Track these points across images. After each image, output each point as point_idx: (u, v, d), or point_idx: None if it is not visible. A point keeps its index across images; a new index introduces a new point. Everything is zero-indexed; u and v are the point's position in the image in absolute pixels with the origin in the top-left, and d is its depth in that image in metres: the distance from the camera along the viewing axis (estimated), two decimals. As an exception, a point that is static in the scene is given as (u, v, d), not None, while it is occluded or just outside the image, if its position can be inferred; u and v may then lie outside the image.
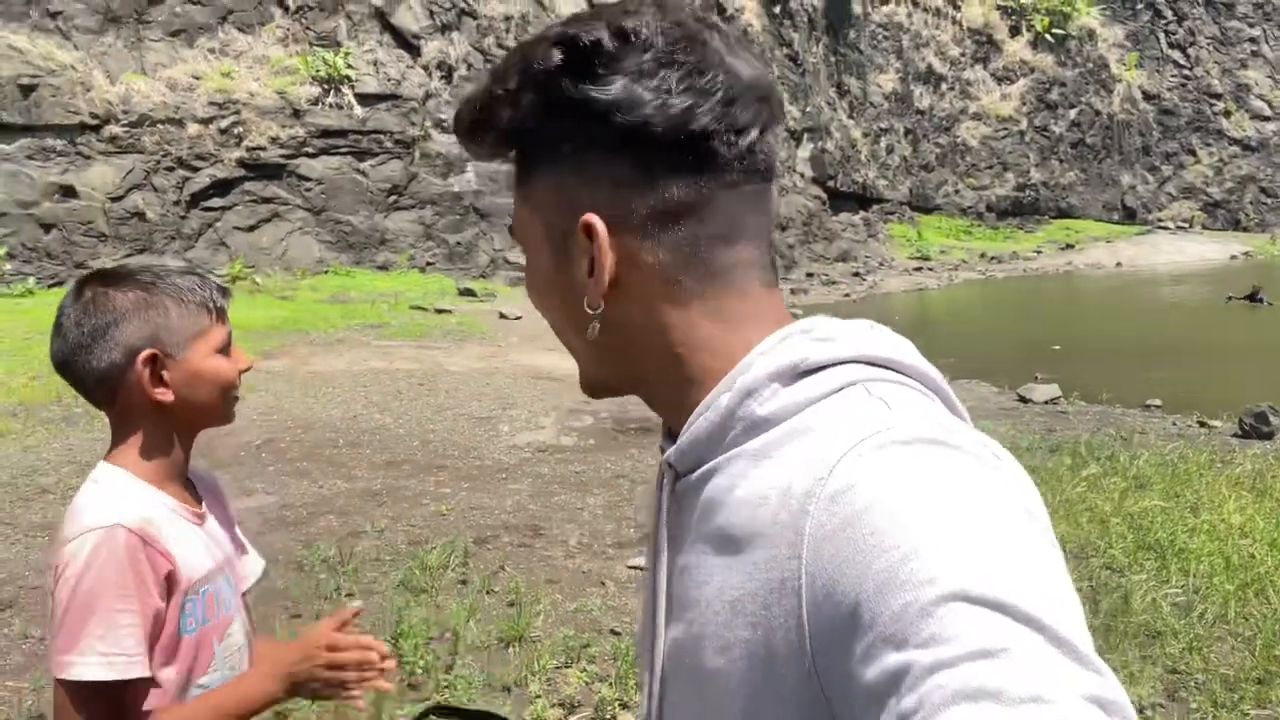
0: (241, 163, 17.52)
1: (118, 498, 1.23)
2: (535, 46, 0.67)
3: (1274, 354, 13.48)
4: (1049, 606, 0.46)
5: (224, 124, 17.55)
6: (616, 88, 0.64)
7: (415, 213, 19.54)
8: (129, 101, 16.55)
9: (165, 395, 1.27)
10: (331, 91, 18.81)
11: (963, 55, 37.31)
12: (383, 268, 18.74)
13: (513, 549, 4.68)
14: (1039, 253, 33.17)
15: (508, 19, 21.65)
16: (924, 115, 35.47)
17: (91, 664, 1.13)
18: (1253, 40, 43.33)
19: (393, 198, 19.27)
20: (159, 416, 1.29)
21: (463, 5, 20.87)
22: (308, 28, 19.33)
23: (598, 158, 0.66)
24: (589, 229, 0.66)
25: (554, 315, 0.74)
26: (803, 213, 26.68)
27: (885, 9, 33.50)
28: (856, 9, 31.50)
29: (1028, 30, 37.78)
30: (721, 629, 0.60)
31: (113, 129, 16.24)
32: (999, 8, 36.79)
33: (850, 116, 31.77)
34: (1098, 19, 39.90)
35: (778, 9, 27.70)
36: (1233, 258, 33.76)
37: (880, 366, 0.64)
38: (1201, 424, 8.23)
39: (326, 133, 18.58)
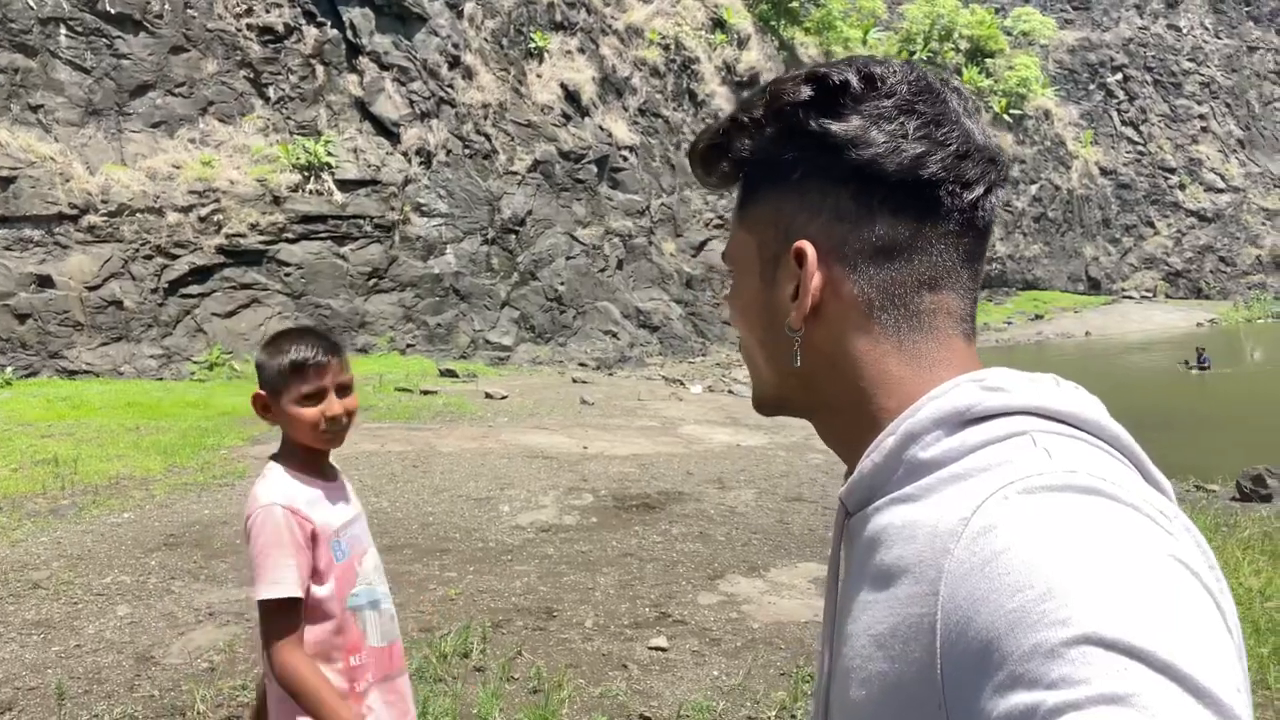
0: (221, 250, 17.49)
1: (273, 485, 1.90)
2: (787, 82, 0.72)
3: (1245, 417, 13.67)
4: (1187, 654, 0.45)
5: (203, 212, 17.58)
6: (855, 125, 0.69)
7: (395, 295, 19.56)
8: (108, 191, 16.56)
9: (272, 421, 1.98)
10: (312, 178, 18.97)
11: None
12: (362, 350, 18.64)
13: (528, 633, 4.52)
14: (1010, 323, 33.74)
15: (485, 106, 22.10)
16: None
17: (264, 589, 1.81)
18: (1201, 117, 45.26)
19: (373, 280, 19.30)
20: (286, 435, 1.98)
21: (441, 94, 21.29)
22: (288, 117, 19.59)
23: (821, 188, 0.71)
24: (800, 254, 0.71)
25: (751, 334, 0.78)
26: (779, 289, 27.04)
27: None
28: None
29: (987, 111, 39.17)
30: (865, 662, 0.62)
31: (91, 218, 16.20)
32: (958, 90, 38.22)
33: (736, 219, 32.51)
34: (1053, 99, 41.53)
35: (746, 93, 28.51)
36: (1199, 325, 34.54)
37: (1056, 420, 0.63)
38: (1199, 488, 8.26)
39: (307, 218, 18.67)
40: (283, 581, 1.81)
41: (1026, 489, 0.55)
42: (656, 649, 4.34)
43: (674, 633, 4.54)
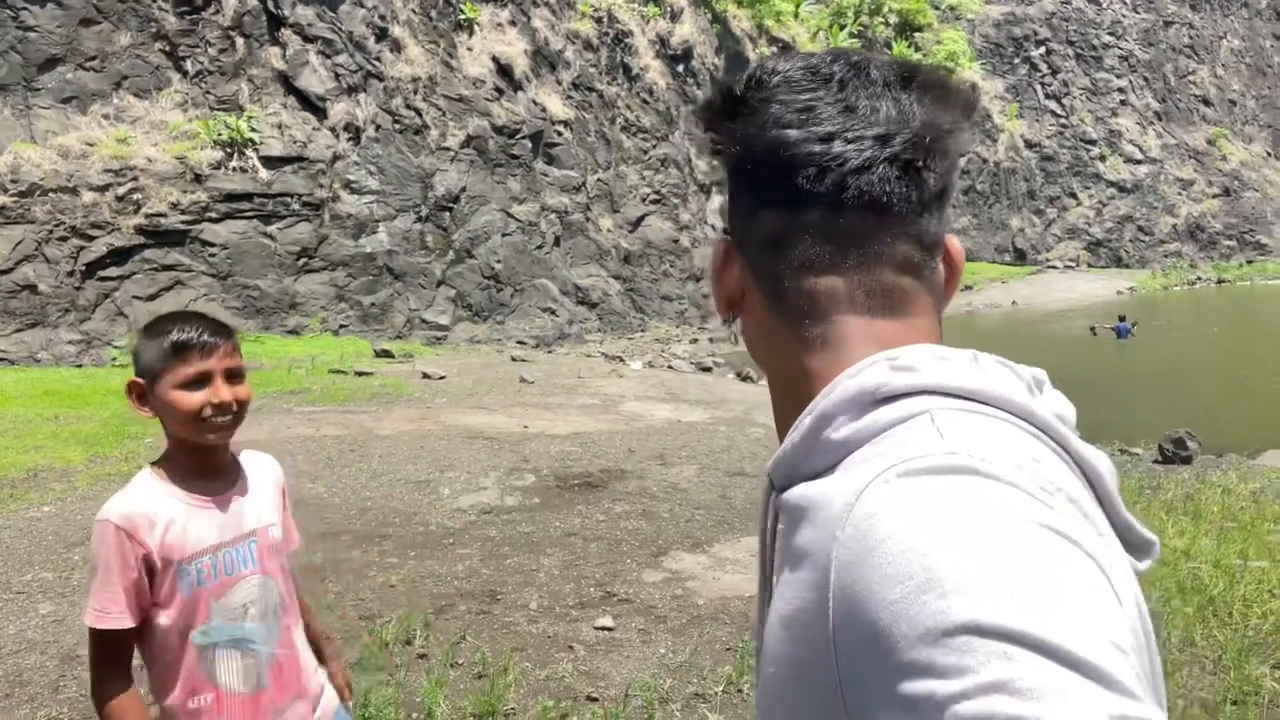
0: (140, 230, 16.83)
1: (123, 496, 1.69)
2: (712, 93, 0.77)
3: (1164, 380, 14.22)
4: (1063, 629, 0.46)
5: (121, 191, 16.88)
6: (737, 125, 0.73)
7: (326, 275, 19.10)
8: (17, 171, 15.77)
9: (147, 413, 1.75)
10: (235, 155, 18.34)
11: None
12: (294, 332, 18.19)
13: (471, 617, 4.47)
14: (941, 294, 34.43)
15: (415, 80, 21.61)
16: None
17: (89, 615, 1.65)
18: (1121, 90, 46.61)
19: (302, 260, 18.80)
20: (168, 430, 1.75)
21: (369, 67, 20.74)
22: (208, 92, 18.88)
23: (731, 187, 0.77)
24: (721, 250, 0.78)
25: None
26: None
27: (782, 66, 34.81)
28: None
29: (916, 85, 39.70)
30: (775, 641, 0.63)
31: (0, 199, 15.43)
32: (888, 64, 38.61)
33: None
34: (979, 73, 42.27)
35: (680, 68, 28.46)
36: (1119, 293, 35.75)
37: (964, 398, 0.63)
38: (1123, 451, 8.55)
39: (230, 197, 18.07)
40: (106, 611, 1.63)
41: (905, 472, 0.56)
42: (602, 629, 4.33)
43: (619, 612, 4.54)
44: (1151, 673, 0.59)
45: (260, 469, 1.90)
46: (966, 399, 0.63)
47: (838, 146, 0.69)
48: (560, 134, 24.05)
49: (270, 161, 18.79)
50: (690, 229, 26.86)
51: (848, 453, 0.64)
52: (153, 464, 1.77)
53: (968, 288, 35.90)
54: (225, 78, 18.96)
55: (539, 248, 22.42)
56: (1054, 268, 40.94)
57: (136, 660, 1.73)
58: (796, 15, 34.54)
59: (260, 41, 19.42)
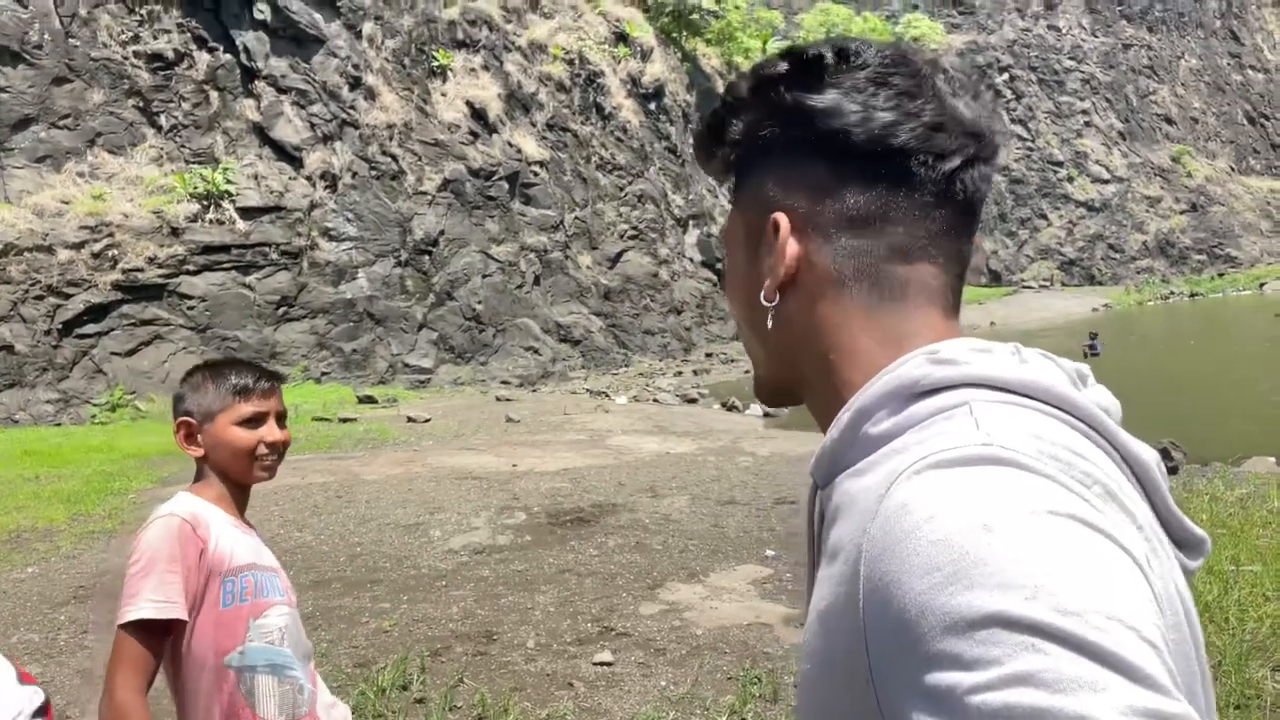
0: (117, 286, 16.75)
1: (177, 501, 1.74)
2: (768, 60, 0.73)
3: (1145, 393, 14.36)
4: (1093, 624, 0.46)
5: (97, 247, 16.81)
6: (828, 97, 0.69)
7: (307, 323, 19.04)
8: (-9, 230, 15.69)
9: (196, 451, 1.82)
10: (211, 207, 18.34)
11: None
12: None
13: (469, 659, 4.41)
14: (920, 318, 34.74)
15: (390, 126, 21.75)
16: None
17: (139, 605, 1.58)
18: (1084, 112, 47.59)
19: (282, 309, 18.74)
20: (209, 466, 1.82)
21: (344, 115, 20.87)
22: (183, 146, 18.92)
23: (798, 161, 0.71)
24: (775, 225, 0.71)
25: (739, 311, 0.79)
26: (695, 295, 27.28)
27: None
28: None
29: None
30: (812, 637, 0.62)
31: (-26, 259, 15.32)
32: (856, 95, 39.29)
33: (730, 201, 32.96)
34: (945, 101, 43.08)
35: (653, 105, 28.80)
36: (1094, 310, 36.19)
37: (1005, 390, 0.62)
38: (1109, 464, 8.60)
39: (208, 249, 18.03)
40: (169, 600, 1.58)
41: (936, 463, 0.55)
42: (602, 664, 4.28)
43: (618, 646, 4.49)
44: (1196, 673, 0.58)
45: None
46: (1008, 391, 0.62)
47: (948, 139, 0.68)
48: (536, 174, 24.23)
49: (247, 212, 18.80)
50: (669, 263, 27.01)
51: (883, 445, 0.63)
52: (191, 488, 1.82)
53: (946, 311, 36.20)
54: (200, 131, 19.03)
55: (519, 287, 22.47)
56: (1029, 288, 41.43)
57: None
58: (764, 51, 35.12)
59: (234, 94, 19.52)
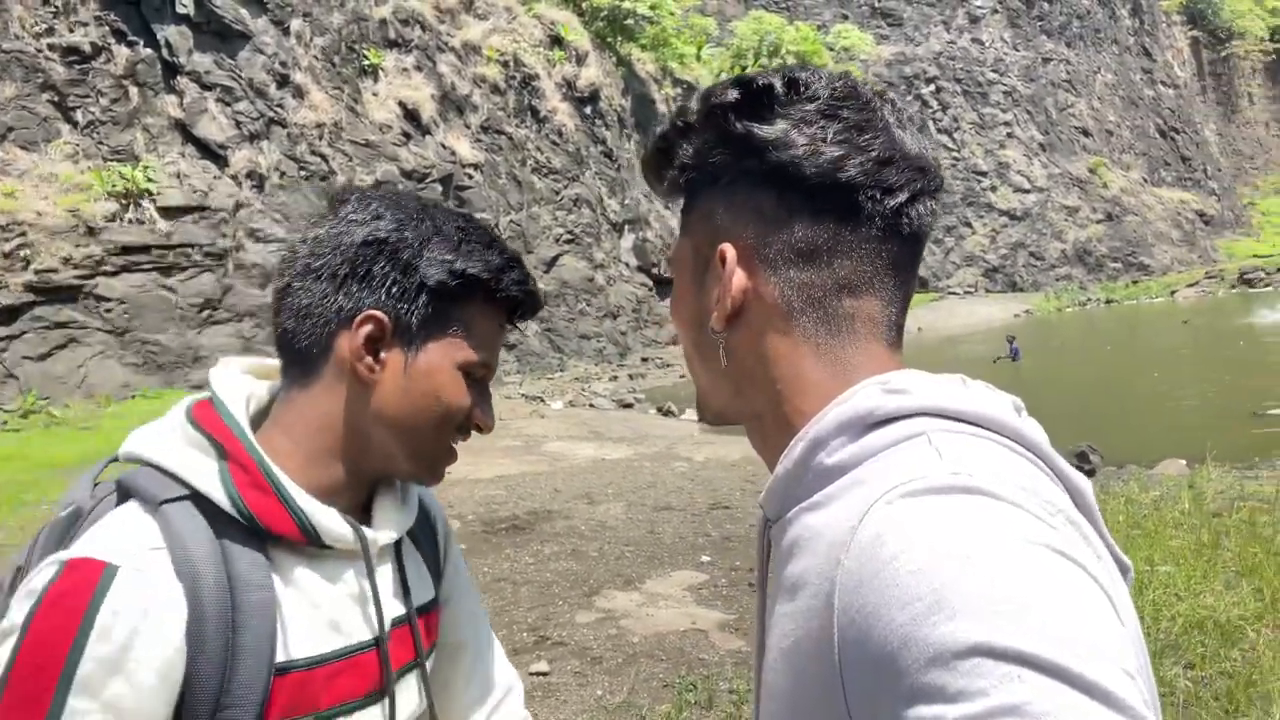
0: (30, 287, 16.04)
1: None
2: (718, 87, 0.73)
3: (1063, 397, 14.89)
4: (1074, 652, 0.46)
5: (7, 247, 16.09)
6: (777, 127, 0.69)
7: (233, 326, 18.53)
8: (-109, 228, 14.91)
9: None
10: (131, 207, 17.71)
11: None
12: (198, 387, 17.33)
13: (402, 673, 4.34)
14: (851, 323, 35.44)
15: (320, 126, 21.32)
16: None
17: None
18: (1007, 124, 49.16)
19: (206, 312, 18.20)
20: None
21: (271, 114, 20.38)
22: (100, 142, 18.23)
23: (747, 191, 0.71)
24: (722, 255, 0.71)
25: (686, 338, 0.78)
26: (632, 300, 27.34)
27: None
28: (661, 108, 33.26)
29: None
30: (776, 676, 0.62)
31: None
32: (789, 103, 39.89)
33: (666, 208, 33.15)
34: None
35: (588, 109, 28.80)
36: (1016, 316, 37.36)
37: (958, 420, 0.63)
38: (1031, 467, 8.88)
39: (127, 249, 17.40)
40: None
41: (909, 492, 0.55)
42: (538, 674, 4.25)
43: (554, 655, 4.47)
44: (1151, 694, 0.59)
45: None
46: (960, 420, 0.63)
47: (896, 174, 0.68)
48: (471, 177, 24.01)
49: (169, 212, 18.21)
50: (605, 268, 27.03)
51: (840, 476, 0.63)
52: None
53: (876, 316, 37.01)
54: (119, 128, 18.37)
55: (453, 291, 22.25)
56: (955, 294, 42.59)
57: None
58: (699, 58, 35.44)
59: (155, 90, 18.91)
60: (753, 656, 0.77)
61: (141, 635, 0.79)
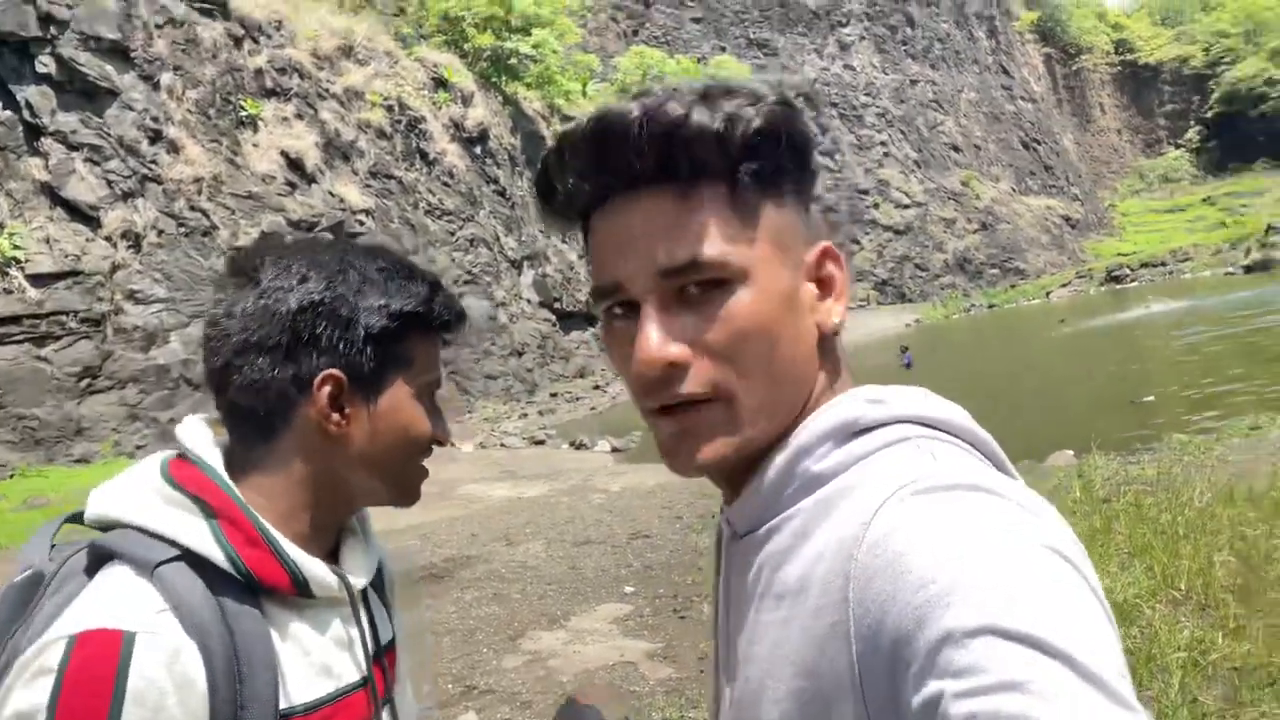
0: (-113, 367, 14.97)
1: None
2: (777, 88, 0.71)
3: (957, 399, 15.48)
4: (1080, 642, 0.48)
5: None
6: (828, 137, 0.75)
7: (115, 394, 17.62)
8: None
9: None
10: (-3, 276, 16.74)
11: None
12: (82, 460, 16.59)
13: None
14: (752, 344, 36.12)
15: (198, 180, 20.63)
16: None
17: None
18: (883, 144, 51.29)
19: (85, 381, 17.27)
20: None
21: (144, 171, 19.62)
22: (-42, 210, 17.22)
23: (809, 196, 0.74)
24: (831, 255, 0.74)
25: (758, 346, 0.67)
26: (536, 336, 27.24)
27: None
28: (551, 144, 33.43)
29: (703, 150, 41.95)
30: (777, 681, 0.62)
31: None
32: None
33: (564, 242, 33.24)
34: (758, 136, 45.25)
35: (478, 149, 28.74)
36: (907, 325, 38.74)
37: (933, 427, 0.67)
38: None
39: (-5, 321, 16.43)
40: None
41: (919, 490, 0.58)
42: (468, 725, 4.16)
43: (482, 705, 4.39)
44: None
45: None
46: (934, 427, 0.67)
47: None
48: (362, 223, 23.59)
49: (39, 279, 17.26)
50: (506, 305, 26.87)
51: (830, 481, 0.65)
52: None
53: (775, 335, 37.84)
54: (-22, 193, 17.37)
55: (351, 341, 21.74)
56: (850, 308, 43.93)
57: None
58: (584, 93, 35.83)
59: (18, 153, 17.98)
60: (710, 674, 0.76)
61: (171, 698, 0.81)
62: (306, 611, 0.96)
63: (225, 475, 0.94)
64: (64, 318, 17.31)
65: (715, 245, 0.66)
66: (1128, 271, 45.62)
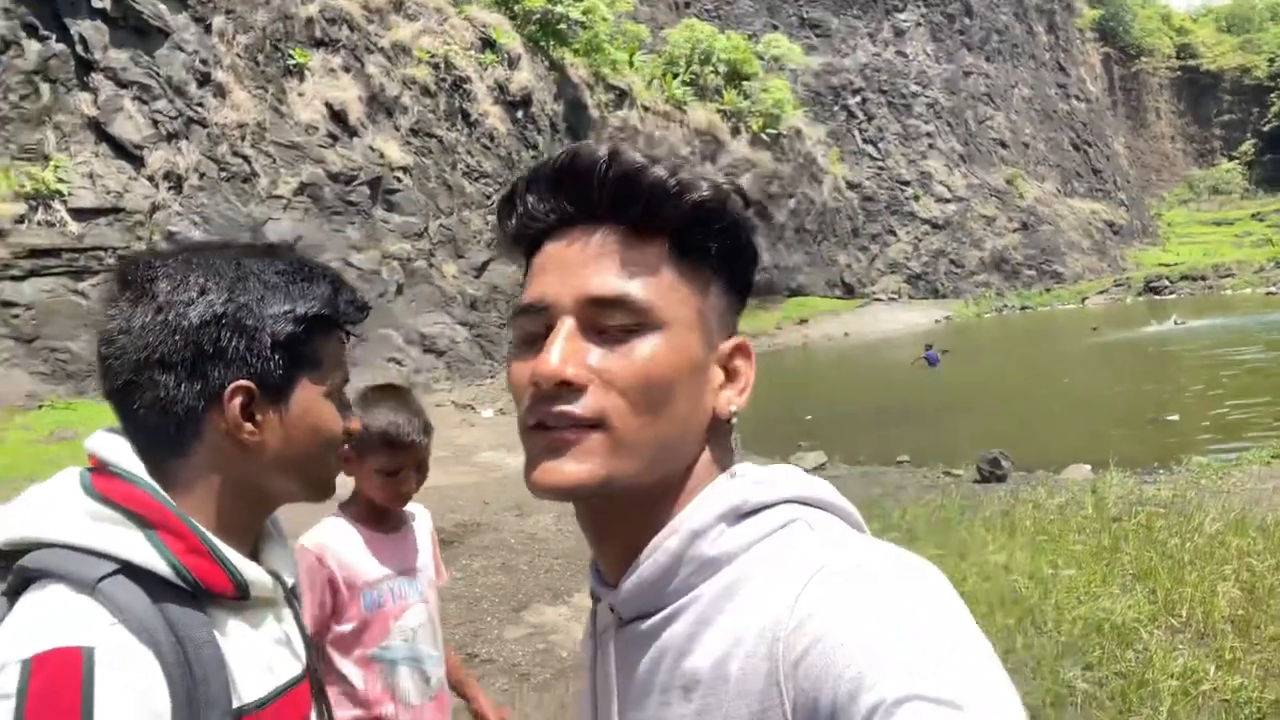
0: (-70, 290, 15.33)
1: (317, 531, 1.99)
2: (735, 185, 0.74)
3: (979, 403, 15.40)
4: (990, 698, 0.54)
5: (-95, 249, 15.35)
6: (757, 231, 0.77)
7: (149, 333, 17.91)
8: None
9: (348, 471, 1.89)
10: (40, 208, 17.03)
11: (693, 153, 40.36)
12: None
13: (328, 693, 4.32)
14: (780, 329, 36.01)
15: (242, 126, 20.81)
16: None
17: None
18: (929, 135, 50.52)
19: (121, 318, 17.58)
20: (359, 484, 2.02)
21: (190, 113, 19.81)
22: (8, 140, 17.48)
23: (739, 289, 0.77)
24: (745, 350, 0.76)
25: (647, 397, 0.68)
26: (563, 306, 27.29)
27: (619, 114, 35.72)
28: (594, 114, 33.34)
29: (746, 130, 41.64)
30: None
31: None
32: (719, 111, 40.29)
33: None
34: (803, 120, 44.78)
35: (520, 113, 28.68)
36: (937, 321, 38.44)
37: (812, 505, 0.71)
38: (947, 474, 9.19)
39: (36, 252, 16.72)
40: None
41: (832, 573, 0.62)
42: (466, 691, 4.28)
43: (483, 673, 4.50)
44: None
45: (419, 515, 2.17)
46: (814, 505, 0.70)
47: None
48: (400, 180, 23.71)
49: (81, 214, 17.56)
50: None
51: (727, 564, 0.67)
52: (340, 505, 2.06)
53: (803, 321, 37.70)
54: (28, 125, 17.63)
55: (381, 296, 21.90)
56: (879, 300, 43.60)
57: None
58: (631, 64, 35.60)
59: (68, 87, 18.21)
60: None
61: (140, 707, 0.81)
62: (245, 613, 0.97)
63: (157, 486, 0.93)
64: (102, 253, 17.59)
65: (646, 290, 0.69)
66: (1167, 283, 44.88)
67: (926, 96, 52.06)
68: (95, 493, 0.91)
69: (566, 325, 0.68)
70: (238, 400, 0.96)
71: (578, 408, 0.67)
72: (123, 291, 0.98)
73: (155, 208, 18.71)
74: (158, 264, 0.98)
